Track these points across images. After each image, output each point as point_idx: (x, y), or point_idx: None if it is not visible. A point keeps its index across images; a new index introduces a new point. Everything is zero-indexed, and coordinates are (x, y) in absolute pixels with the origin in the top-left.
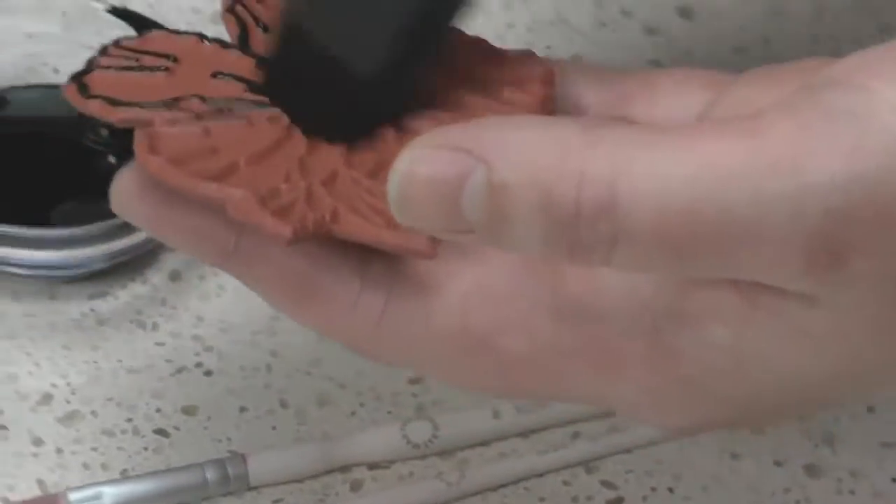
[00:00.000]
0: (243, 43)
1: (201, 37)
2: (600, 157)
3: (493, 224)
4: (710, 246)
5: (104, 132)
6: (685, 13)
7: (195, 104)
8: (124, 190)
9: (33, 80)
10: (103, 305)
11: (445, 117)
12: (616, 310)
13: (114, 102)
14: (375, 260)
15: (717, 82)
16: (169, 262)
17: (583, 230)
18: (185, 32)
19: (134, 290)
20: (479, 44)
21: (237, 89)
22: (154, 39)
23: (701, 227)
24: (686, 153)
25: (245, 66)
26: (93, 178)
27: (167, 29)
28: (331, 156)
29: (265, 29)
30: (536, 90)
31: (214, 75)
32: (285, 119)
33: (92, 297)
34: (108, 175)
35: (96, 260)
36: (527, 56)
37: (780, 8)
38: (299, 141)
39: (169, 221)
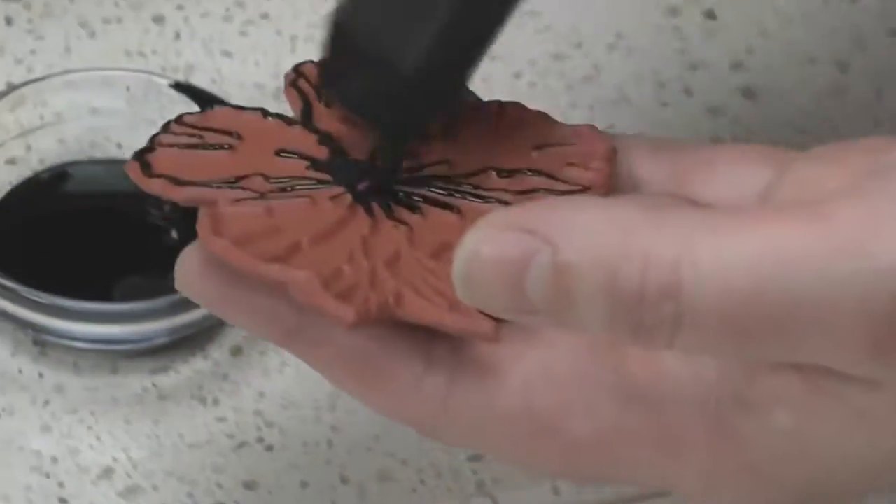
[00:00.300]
0: (306, 118)
1: (265, 112)
2: (665, 239)
3: (557, 305)
4: (774, 330)
5: (167, 208)
6: (748, 93)
7: (258, 183)
8: (188, 269)
9: (97, 155)
10: (165, 380)
11: (508, 196)
12: (679, 394)
13: (177, 181)
14: (439, 341)
15: (778, 159)
16: (230, 337)
17: (647, 312)
18: (249, 108)
19: (195, 364)
20: (541, 118)
21: (300, 167)
22: (217, 115)
23: (765, 311)
24: (751, 236)
25: (308, 142)
26: (155, 253)
27: (230, 104)
28: (394, 235)
29: (328, 104)
30: (598, 166)
31: (278, 153)
32: (348, 197)
33: (153, 371)
34: (170, 250)
35: (158, 334)
36: (589, 131)
37: (843, 88)
38: (362, 220)
39: (233, 301)
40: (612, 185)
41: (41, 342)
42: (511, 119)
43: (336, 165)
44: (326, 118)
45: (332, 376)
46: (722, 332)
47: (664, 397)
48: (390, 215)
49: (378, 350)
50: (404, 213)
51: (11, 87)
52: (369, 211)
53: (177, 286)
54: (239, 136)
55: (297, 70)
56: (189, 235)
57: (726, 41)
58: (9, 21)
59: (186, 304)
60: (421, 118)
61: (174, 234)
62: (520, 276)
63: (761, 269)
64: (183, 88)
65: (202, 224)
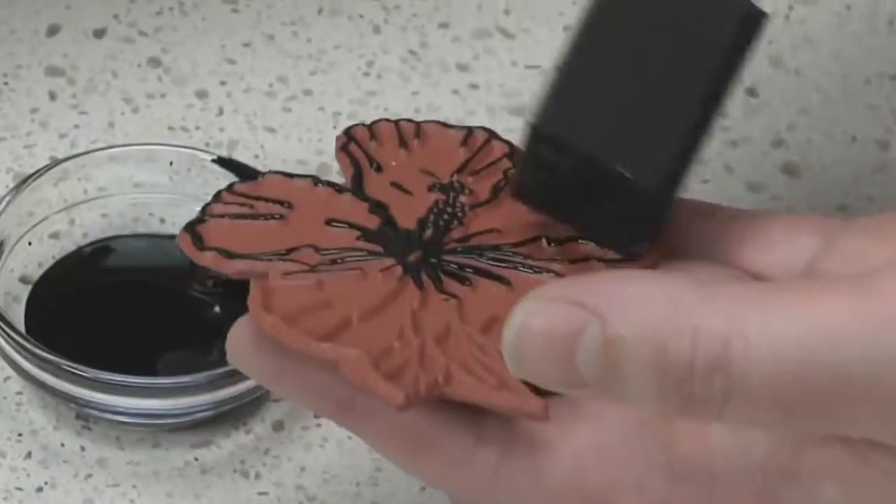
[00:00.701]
0: (357, 185)
1: (315, 180)
2: (715, 314)
3: (607, 378)
4: (823, 404)
5: (210, 282)
6: (788, 170)
7: (309, 255)
8: (239, 342)
9: (140, 229)
10: (207, 454)
11: (558, 266)
12: (728, 469)
13: (228, 254)
14: (490, 415)
15: (827, 229)
16: (272, 411)
17: (696, 386)
18: (299, 175)
19: (237, 439)
20: None
21: (350, 237)
22: (268, 183)
23: (814, 385)
24: (799, 311)
25: (359, 211)
26: (198, 327)
27: (281, 172)
28: (443, 309)
29: (378, 169)
30: (643, 230)
31: (328, 222)
32: (398, 269)
33: (195, 445)
34: (213, 325)
35: (200, 409)
36: None
37: (883, 166)
38: (412, 293)
39: (285, 376)
40: (665, 250)
41: (84, 416)
42: None
43: (386, 236)
44: (377, 185)
45: (383, 449)
46: (771, 406)
47: (713, 473)
48: (440, 288)
49: (429, 424)
50: (454, 286)
51: (55, 162)
52: (419, 283)
53: (228, 359)
54: (289, 205)
55: (349, 133)
56: (231, 310)
57: (767, 118)
58: (52, 96)
59: (229, 379)
60: (654, 231)
61: (217, 308)
62: (570, 349)
63: (810, 344)
64: (226, 163)
65: (253, 300)
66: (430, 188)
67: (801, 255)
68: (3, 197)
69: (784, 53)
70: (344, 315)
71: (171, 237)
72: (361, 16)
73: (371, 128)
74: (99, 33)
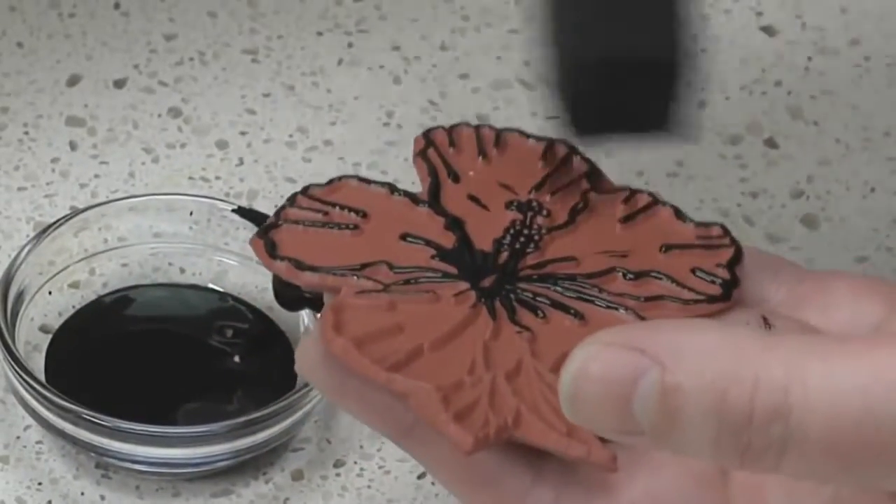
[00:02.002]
0: (433, 196)
1: (392, 188)
2: (776, 363)
3: (663, 426)
4: (882, 455)
5: (229, 332)
6: (808, 222)
7: (383, 272)
8: (308, 356)
9: (160, 279)
10: (226, 503)
11: (632, 302)
12: None
13: (300, 265)
14: (550, 455)
15: (893, 298)
16: (291, 461)
17: (754, 434)
18: (376, 182)
19: (257, 488)
20: (670, 214)
21: (425, 256)
22: (343, 188)
23: (874, 436)
24: (861, 362)
25: (434, 227)
26: (217, 376)
27: (357, 176)
28: (516, 343)
29: (456, 179)
30: (723, 275)
31: (403, 237)
32: (472, 295)
33: (214, 495)
34: (232, 375)
35: (219, 458)
36: (718, 233)
37: None
38: (485, 322)
39: (351, 394)
40: (737, 296)
41: (103, 465)
42: (639, 210)
43: (461, 256)
44: (454, 196)
45: (441, 477)
46: (829, 456)
47: None
48: (513, 318)
49: (489, 457)
50: (527, 317)
51: (76, 212)
52: (492, 311)
53: (297, 370)
54: (364, 215)
55: (427, 137)
56: (251, 360)
57: (787, 170)
58: (73, 146)
59: (248, 428)
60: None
61: (236, 358)
62: (627, 395)
63: (872, 394)
64: (246, 214)
65: (324, 318)
66: (508, 205)
67: (865, 319)
68: (24, 246)
69: (804, 105)
70: (415, 343)
71: (191, 287)
72: (381, 66)
73: (451, 132)
74: (119, 83)
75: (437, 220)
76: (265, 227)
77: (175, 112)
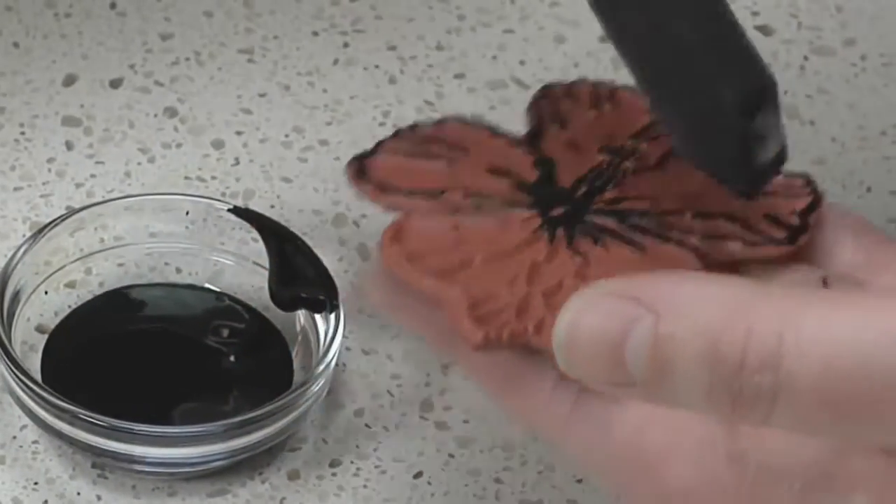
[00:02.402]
0: (532, 139)
1: (493, 130)
2: (769, 313)
3: (655, 376)
4: (872, 409)
5: (225, 332)
6: None
7: (458, 197)
8: (368, 272)
9: (156, 279)
10: (222, 503)
11: (696, 240)
12: (774, 465)
13: (384, 188)
14: None
15: None
16: (288, 461)
17: (745, 383)
18: (479, 124)
19: (253, 488)
20: None
21: (505, 187)
22: (449, 128)
23: (865, 389)
24: (854, 314)
25: (523, 163)
26: (214, 376)
27: (461, 118)
28: (566, 266)
29: (562, 126)
30: (795, 223)
31: (490, 170)
32: (537, 221)
33: (211, 494)
34: (228, 374)
35: (216, 458)
36: (801, 183)
37: None
38: (542, 246)
39: (401, 307)
40: (805, 247)
41: (100, 465)
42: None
43: (540, 190)
44: (553, 141)
45: (475, 378)
46: (820, 408)
47: (762, 465)
48: (571, 245)
49: (518, 360)
50: (586, 245)
51: (72, 211)
52: (552, 237)
53: (359, 291)
54: (462, 149)
55: (545, 90)
56: (246, 359)
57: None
58: (69, 146)
59: (244, 428)
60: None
61: (232, 357)
62: (620, 342)
63: (865, 346)
64: (242, 213)
65: (386, 233)
66: (601, 150)
67: None
68: (20, 246)
69: (800, 104)
70: (468, 256)
71: (188, 286)
72: (377, 66)
73: (569, 87)
74: (115, 83)
75: (528, 158)
76: (360, 155)
77: (171, 112)
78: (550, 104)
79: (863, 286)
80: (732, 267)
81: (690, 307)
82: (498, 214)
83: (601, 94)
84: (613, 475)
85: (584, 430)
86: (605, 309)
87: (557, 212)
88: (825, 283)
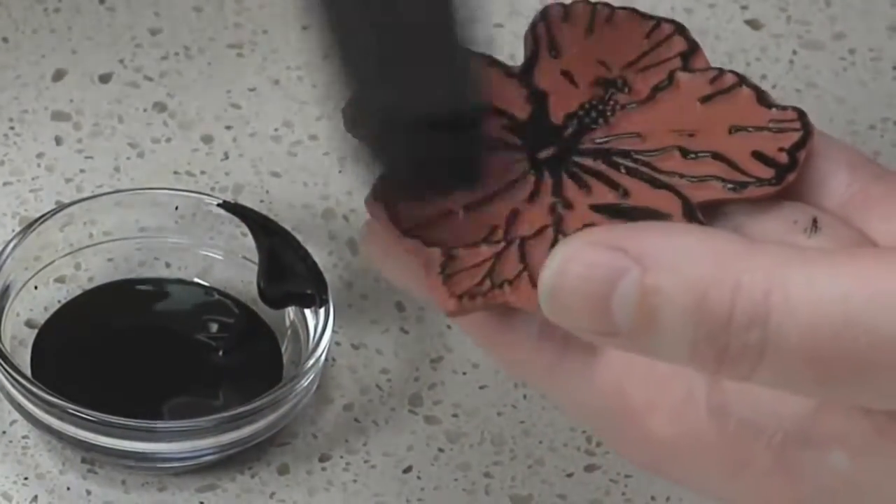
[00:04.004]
0: (527, 69)
1: (491, 60)
2: (758, 268)
3: (641, 327)
4: (856, 368)
5: (214, 326)
6: None
7: None
8: (361, 231)
9: (145, 274)
10: (212, 498)
11: (680, 181)
12: (755, 419)
13: None
14: None
15: None
16: (277, 455)
17: (732, 338)
18: (479, 53)
19: (243, 483)
20: (752, 99)
21: (497, 126)
22: None
23: (850, 348)
24: (845, 271)
25: (516, 98)
26: (203, 371)
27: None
28: (547, 212)
29: (557, 54)
30: (783, 161)
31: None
32: (525, 164)
33: (200, 489)
34: (218, 369)
35: (205, 452)
36: (792, 116)
37: None
38: (526, 189)
39: (391, 258)
40: (797, 180)
41: (89, 460)
42: (722, 91)
43: (530, 128)
44: (547, 71)
45: (465, 328)
46: (805, 365)
47: (743, 418)
48: (557, 190)
49: (503, 312)
50: (571, 189)
51: (61, 206)
52: (539, 181)
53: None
54: None
55: (543, 13)
56: (236, 354)
57: None
58: (58, 140)
59: (234, 423)
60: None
61: (221, 352)
62: (606, 293)
63: (852, 304)
64: (231, 208)
65: (372, 187)
66: (594, 82)
67: None
68: (9, 241)
69: (789, 98)
70: (450, 207)
71: (177, 281)
72: None
73: (567, 8)
74: (105, 78)
75: (522, 92)
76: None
77: (160, 107)
78: (547, 29)
79: (853, 227)
80: (718, 208)
81: (678, 261)
82: (487, 157)
83: (598, 15)
84: (597, 424)
85: (568, 379)
86: (591, 259)
87: (545, 153)
88: (815, 223)
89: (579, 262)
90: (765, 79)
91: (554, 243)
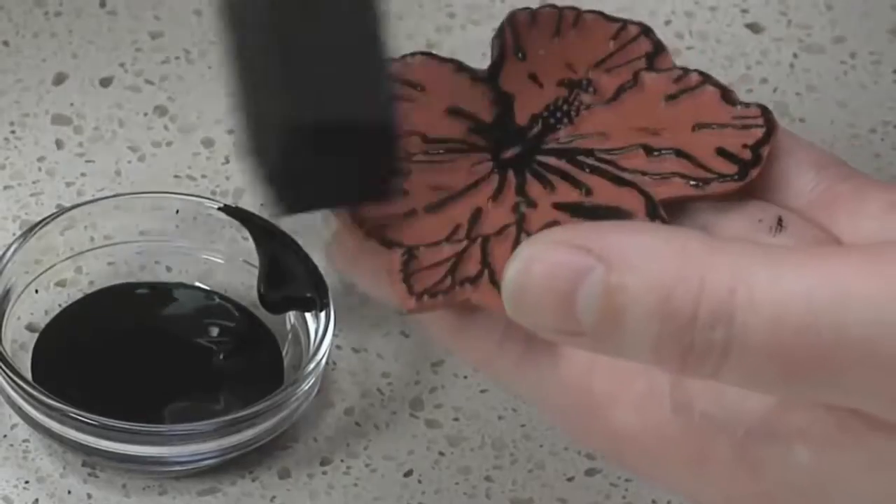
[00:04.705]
0: (494, 73)
1: (459, 66)
2: (722, 266)
3: (606, 326)
4: (820, 365)
5: (215, 330)
6: None
7: (415, 143)
8: (331, 236)
9: (146, 278)
10: (213, 501)
11: (642, 179)
12: (718, 415)
13: None
14: None
15: None
16: (278, 459)
17: (697, 337)
18: (445, 59)
19: (244, 486)
20: (717, 96)
21: (462, 129)
22: (414, 65)
23: (815, 344)
24: (810, 269)
25: (482, 102)
26: (204, 375)
27: (428, 53)
28: (510, 211)
29: (523, 57)
30: (747, 158)
31: (449, 111)
32: (489, 165)
33: (201, 493)
34: (218, 373)
35: (206, 456)
36: (756, 113)
37: None
38: (489, 190)
39: (357, 264)
40: (761, 178)
41: (90, 463)
42: (687, 90)
43: (495, 130)
44: (514, 74)
45: (429, 329)
46: (770, 363)
47: (706, 414)
48: (521, 189)
49: (467, 312)
50: (535, 188)
51: (62, 210)
52: (502, 181)
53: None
54: (422, 88)
55: (510, 16)
56: (237, 358)
57: None
58: (59, 144)
59: (234, 426)
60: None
61: (222, 356)
62: (571, 292)
63: (816, 301)
64: (232, 212)
65: None
66: (560, 83)
67: (892, 235)
68: (10, 245)
69: (789, 102)
70: (412, 206)
71: (178, 285)
72: None
73: (535, 13)
74: (105, 82)
75: (488, 96)
76: None
77: (161, 110)
78: (514, 33)
79: (819, 226)
80: (684, 206)
81: (642, 259)
82: (450, 160)
83: (565, 19)
84: (563, 418)
85: (533, 374)
86: (555, 258)
87: (509, 154)
88: (780, 222)
89: (543, 261)
90: (765, 82)
91: (517, 242)
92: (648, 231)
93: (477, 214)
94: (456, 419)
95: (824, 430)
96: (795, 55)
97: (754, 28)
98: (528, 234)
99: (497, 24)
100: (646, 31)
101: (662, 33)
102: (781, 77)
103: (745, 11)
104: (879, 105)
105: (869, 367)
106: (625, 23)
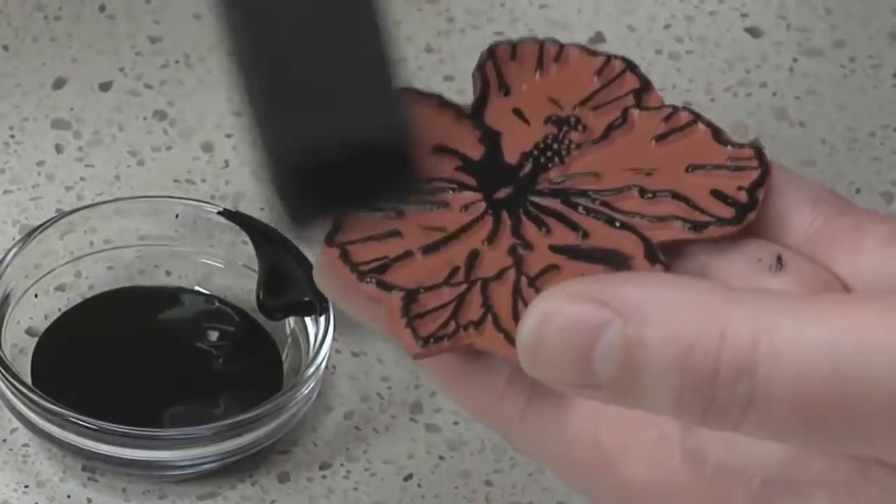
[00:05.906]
0: (478, 109)
1: (440, 102)
2: (743, 318)
3: (624, 380)
4: (845, 417)
5: (215, 334)
6: None
7: None
8: (318, 263)
9: (145, 282)
10: None
11: (640, 221)
12: (732, 464)
13: None
14: None
15: None
16: (277, 463)
17: (719, 390)
18: (426, 94)
19: (243, 490)
20: (708, 136)
21: (450, 168)
22: None
23: (839, 396)
24: (832, 320)
25: (469, 139)
26: (203, 379)
27: (413, 88)
28: (507, 254)
29: (507, 93)
30: (743, 200)
31: (436, 149)
32: (482, 206)
33: (201, 497)
34: (218, 377)
35: (206, 460)
36: (749, 155)
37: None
38: (484, 231)
39: (349, 298)
40: (759, 217)
41: (90, 468)
42: (677, 129)
43: (485, 169)
44: (498, 110)
45: (430, 373)
46: (794, 415)
47: (719, 464)
48: (516, 231)
49: (469, 358)
50: (531, 230)
51: (61, 214)
52: (497, 223)
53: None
54: None
55: (490, 50)
56: (236, 362)
57: None
58: (59, 149)
59: (234, 430)
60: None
61: (221, 360)
62: (588, 347)
63: (840, 353)
64: (232, 216)
65: (325, 228)
66: (547, 120)
67: (893, 270)
68: (10, 249)
69: (789, 106)
70: (408, 247)
71: (177, 289)
72: None
73: (515, 47)
74: (105, 86)
75: (475, 133)
76: None
77: (161, 115)
78: (496, 68)
79: (818, 263)
80: (680, 247)
81: (660, 312)
82: (442, 200)
83: (547, 53)
84: (570, 471)
85: (538, 426)
86: (572, 312)
87: (502, 194)
88: (780, 260)
89: (560, 315)
90: (765, 86)
91: (516, 285)
92: (665, 283)
93: (474, 256)
94: (456, 423)
95: (846, 478)
96: (795, 59)
97: (754, 32)
98: (528, 278)
99: (496, 28)
100: (631, 66)
101: (662, 37)
102: (781, 81)
103: (744, 15)
104: (879, 109)
105: (893, 418)
106: (609, 57)
